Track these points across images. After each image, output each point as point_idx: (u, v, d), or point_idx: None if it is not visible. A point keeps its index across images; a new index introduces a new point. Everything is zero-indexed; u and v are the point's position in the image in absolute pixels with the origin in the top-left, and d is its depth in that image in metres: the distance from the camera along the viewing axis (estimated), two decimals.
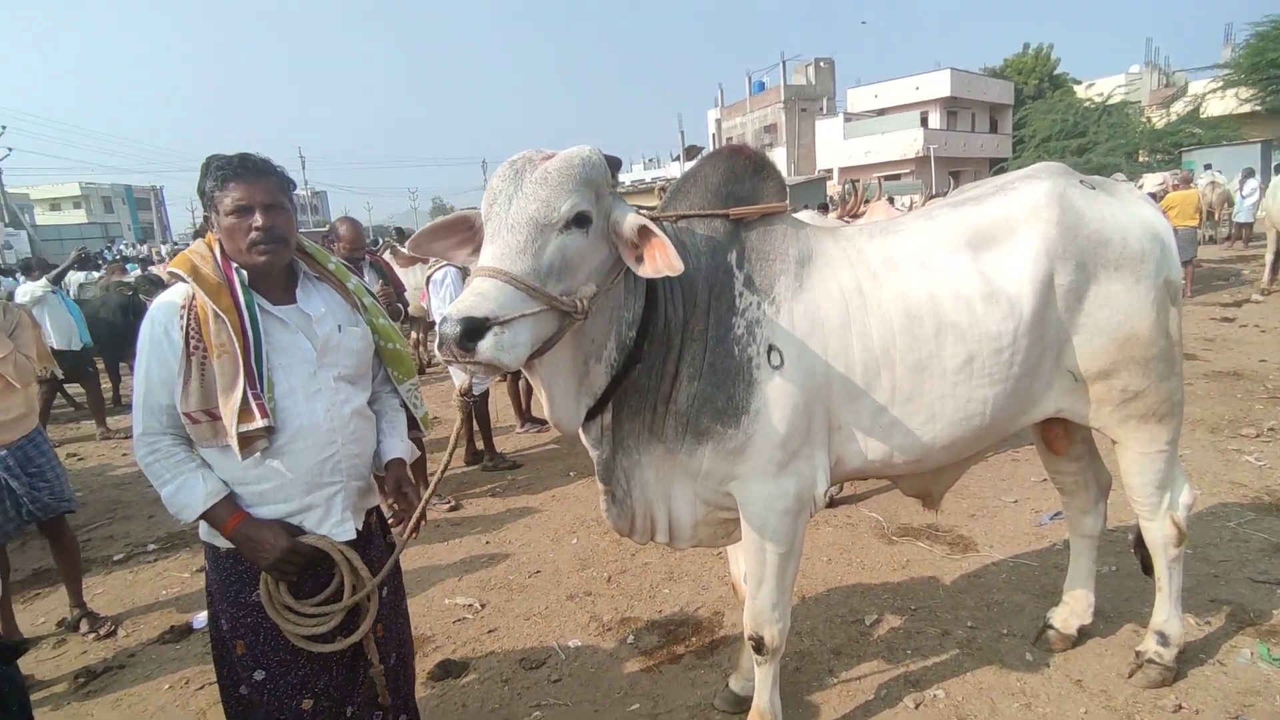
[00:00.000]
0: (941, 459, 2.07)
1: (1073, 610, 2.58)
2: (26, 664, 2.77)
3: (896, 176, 26.86)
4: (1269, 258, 9.45)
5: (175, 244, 28.07)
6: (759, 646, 2.04)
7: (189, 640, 3.13)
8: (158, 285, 7.23)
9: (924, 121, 30.36)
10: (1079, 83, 30.75)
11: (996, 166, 27.72)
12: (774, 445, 1.84)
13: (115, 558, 4.06)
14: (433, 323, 6.14)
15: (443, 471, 1.76)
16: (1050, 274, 1.96)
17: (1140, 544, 2.49)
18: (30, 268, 7.37)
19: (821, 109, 32.71)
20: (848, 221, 4.37)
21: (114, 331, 6.91)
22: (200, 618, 3.20)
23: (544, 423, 5.79)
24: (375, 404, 1.87)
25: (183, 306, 1.60)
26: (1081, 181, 2.15)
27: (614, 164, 1.68)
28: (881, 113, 32.04)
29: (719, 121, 35.72)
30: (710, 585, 3.23)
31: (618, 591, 3.27)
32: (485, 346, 1.37)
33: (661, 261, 1.55)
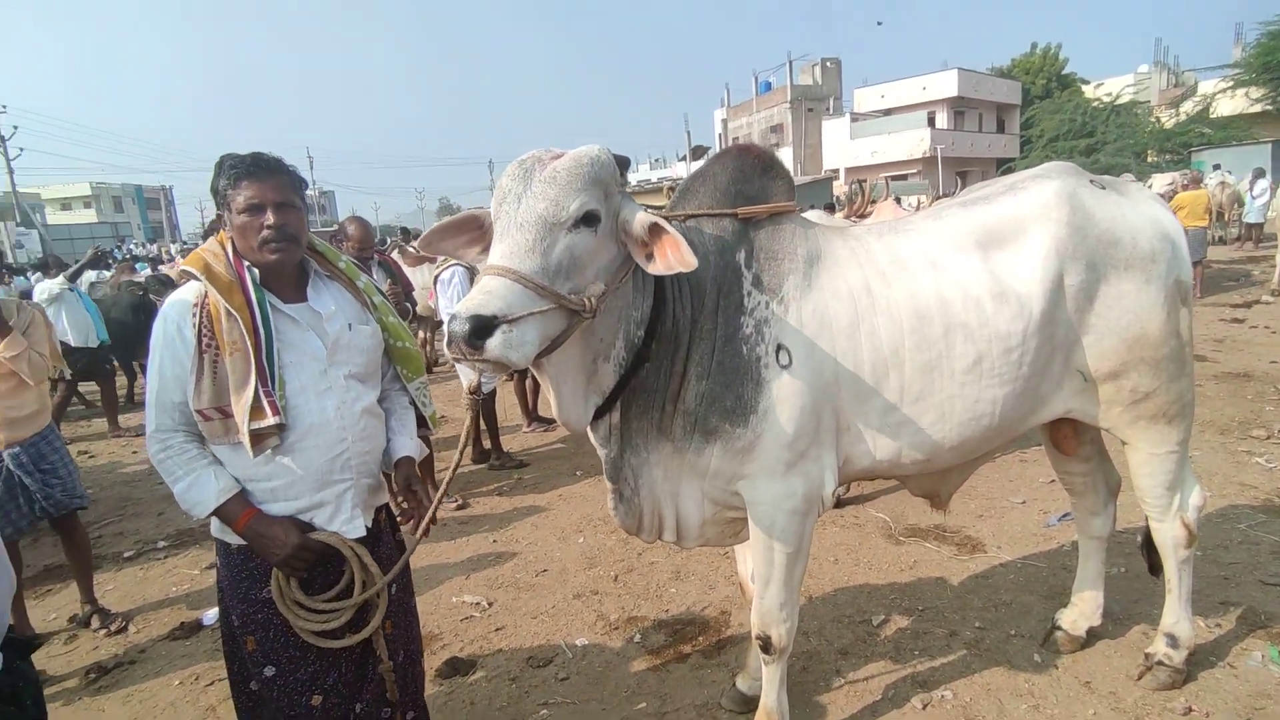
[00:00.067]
0: (950, 459, 2.07)
1: (1081, 612, 2.57)
2: (38, 659, 2.79)
3: (903, 177, 26.79)
4: None
5: (184, 243, 28.28)
6: (766, 646, 2.04)
7: (198, 637, 3.15)
8: (167, 285, 7.28)
9: (931, 122, 30.25)
10: (1087, 83, 30.55)
11: (1004, 167, 27.61)
12: (782, 445, 1.84)
13: (126, 554, 4.09)
14: (440, 322, 6.16)
15: (453, 471, 1.77)
16: (1060, 274, 1.95)
17: (1147, 545, 2.48)
18: (47, 265, 7.46)
19: (828, 109, 32.64)
20: (855, 222, 4.36)
21: (125, 331, 6.97)
22: (210, 614, 3.23)
23: (551, 422, 5.81)
24: (384, 402, 1.88)
25: (195, 304, 1.62)
26: (1092, 181, 2.14)
27: (623, 163, 1.69)
28: (888, 113, 31.94)
29: (725, 121, 35.70)
30: (717, 585, 3.23)
31: (624, 591, 3.27)
32: (494, 344, 1.37)
33: (674, 258, 1.55)
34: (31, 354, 2.92)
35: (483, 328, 1.37)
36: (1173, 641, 2.34)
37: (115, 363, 7.19)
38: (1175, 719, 2.22)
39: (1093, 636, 2.58)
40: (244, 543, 1.65)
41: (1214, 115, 22.80)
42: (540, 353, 1.51)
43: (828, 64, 33.30)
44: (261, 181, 1.61)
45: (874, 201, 7.08)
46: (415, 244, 7.83)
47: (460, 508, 4.40)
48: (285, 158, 1.73)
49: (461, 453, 1.79)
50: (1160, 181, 12.40)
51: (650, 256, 1.61)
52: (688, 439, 1.86)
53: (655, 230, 1.59)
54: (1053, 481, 3.72)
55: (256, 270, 1.65)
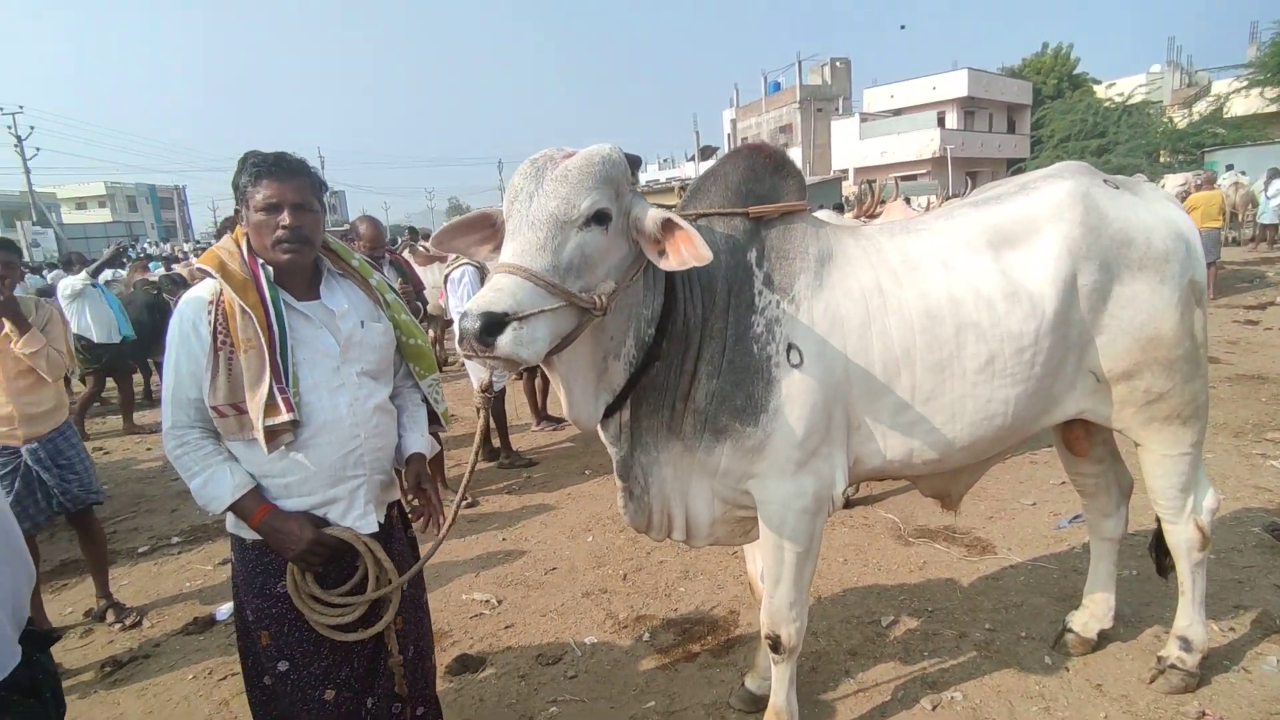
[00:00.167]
0: (961, 459, 2.06)
1: (1093, 614, 2.56)
2: (55, 653, 2.83)
3: (913, 177, 26.65)
4: None
5: (198, 242, 28.52)
6: (776, 645, 2.04)
7: (212, 631, 3.18)
8: (180, 284, 7.35)
9: (941, 122, 30.11)
10: (1099, 82, 30.34)
11: (1014, 167, 27.42)
12: (792, 444, 1.84)
13: (140, 550, 4.14)
14: (450, 321, 6.19)
15: (470, 473, 1.78)
16: (1073, 274, 1.94)
17: (1156, 546, 2.47)
18: (70, 262, 7.56)
19: (837, 109, 32.56)
20: (865, 222, 4.35)
21: (140, 329, 7.04)
22: (223, 610, 3.26)
23: (560, 421, 5.82)
24: (396, 399, 1.89)
25: (210, 302, 1.64)
26: (1105, 181, 2.13)
27: (634, 162, 1.69)
28: (898, 113, 31.81)
29: (734, 122, 35.66)
30: (726, 584, 3.23)
31: (633, 589, 3.28)
32: (504, 341, 1.38)
33: (688, 252, 1.55)
34: (50, 351, 2.95)
35: (494, 325, 1.37)
36: (1186, 645, 2.32)
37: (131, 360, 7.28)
38: None
39: (1104, 639, 2.57)
40: (259, 538, 1.67)
41: (1228, 115, 22.57)
42: (551, 350, 1.52)
43: (837, 64, 33.21)
44: (282, 182, 1.63)
45: (883, 202, 7.06)
46: (425, 244, 7.87)
47: (470, 505, 4.42)
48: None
49: (477, 454, 1.81)
50: (1173, 182, 12.28)
51: (663, 253, 1.61)
52: (698, 438, 1.86)
53: (668, 226, 1.60)
54: (1063, 483, 3.70)
55: (271, 268, 1.67)
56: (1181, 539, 2.25)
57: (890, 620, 2.86)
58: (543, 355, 1.49)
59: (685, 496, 1.96)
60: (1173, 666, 2.32)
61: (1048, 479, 4.12)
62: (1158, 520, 2.35)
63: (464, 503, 4.34)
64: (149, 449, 6.23)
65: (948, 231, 2.02)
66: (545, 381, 5.89)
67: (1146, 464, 2.21)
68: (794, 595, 1.99)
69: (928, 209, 6.62)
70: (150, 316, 7.00)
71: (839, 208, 10.13)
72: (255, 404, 1.59)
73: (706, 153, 33.16)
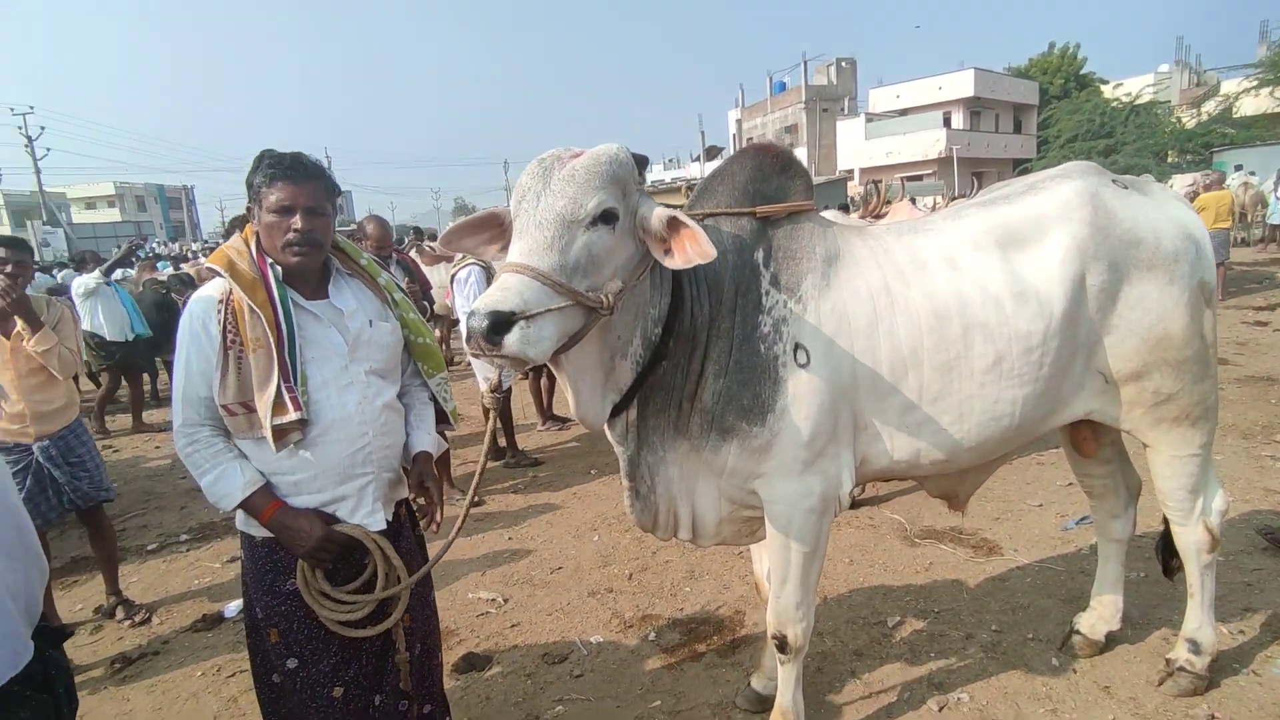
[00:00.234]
0: (969, 460, 2.06)
1: (1100, 616, 2.55)
2: (65, 649, 2.86)
3: (919, 177, 26.57)
4: None
5: (205, 242, 28.67)
6: (782, 645, 2.04)
7: (220, 629, 3.20)
8: (188, 284, 7.40)
9: (947, 122, 29.99)
10: (1106, 82, 30.13)
11: (1021, 167, 27.29)
12: (799, 444, 1.84)
13: (149, 547, 4.16)
14: (456, 321, 6.20)
15: (480, 473, 1.79)
16: (1082, 274, 1.94)
17: (1162, 547, 2.45)
18: (84, 260, 7.62)
19: (843, 109, 32.45)
20: (871, 222, 4.34)
21: (150, 329, 7.09)
22: (231, 607, 3.28)
23: (565, 421, 5.84)
24: (404, 397, 1.90)
25: (220, 301, 1.65)
26: (1114, 180, 2.12)
27: (641, 162, 1.70)
28: (904, 113, 31.70)
29: (739, 122, 35.61)
30: (731, 584, 3.23)
31: (639, 589, 3.28)
32: (511, 340, 1.39)
33: (693, 250, 1.55)
34: (61, 349, 2.98)
35: (501, 323, 1.38)
36: (1195, 647, 2.31)
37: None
38: None
39: (1112, 641, 2.56)
40: (269, 535, 1.68)
41: (1237, 115, 22.40)
42: (558, 350, 1.52)
43: (843, 64, 33.11)
44: (296, 185, 1.63)
45: (889, 202, 7.05)
46: (430, 244, 7.89)
47: (476, 505, 4.42)
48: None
49: (487, 455, 1.81)
50: (1181, 182, 12.21)
51: (669, 252, 1.62)
52: (705, 437, 1.86)
53: (673, 225, 1.60)
54: (1070, 484, 3.69)
55: (279, 268, 1.67)
56: (1191, 541, 2.24)
57: (896, 621, 2.85)
58: (550, 354, 1.49)
59: (692, 496, 1.96)
60: (1181, 669, 2.31)
61: (1054, 480, 4.11)
62: (1164, 521, 2.34)
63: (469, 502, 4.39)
64: (157, 447, 6.27)
65: (955, 231, 2.02)
66: (551, 381, 5.90)
67: (1155, 465, 2.20)
68: (800, 595, 1.99)
69: (933, 209, 6.61)
70: (158, 316, 7.04)
71: (844, 208, 10.11)
72: (263, 403, 1.60)
73: (712, 153, 33.14)
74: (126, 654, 3.02)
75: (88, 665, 2.98)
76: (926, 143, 28.77)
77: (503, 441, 5.19)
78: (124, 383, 7.05)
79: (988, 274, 1.93)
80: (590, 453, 5.23)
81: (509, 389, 5.05)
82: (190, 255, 17.87)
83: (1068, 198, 2.00)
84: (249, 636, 1.83)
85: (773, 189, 1.92)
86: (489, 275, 4.56)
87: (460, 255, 4.78)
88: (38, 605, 1.35)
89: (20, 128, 31.29)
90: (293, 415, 1.60)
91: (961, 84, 30.17)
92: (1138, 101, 23.66)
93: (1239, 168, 15.81)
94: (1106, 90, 27.06)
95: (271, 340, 1.61)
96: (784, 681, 2.12)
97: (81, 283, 6.44)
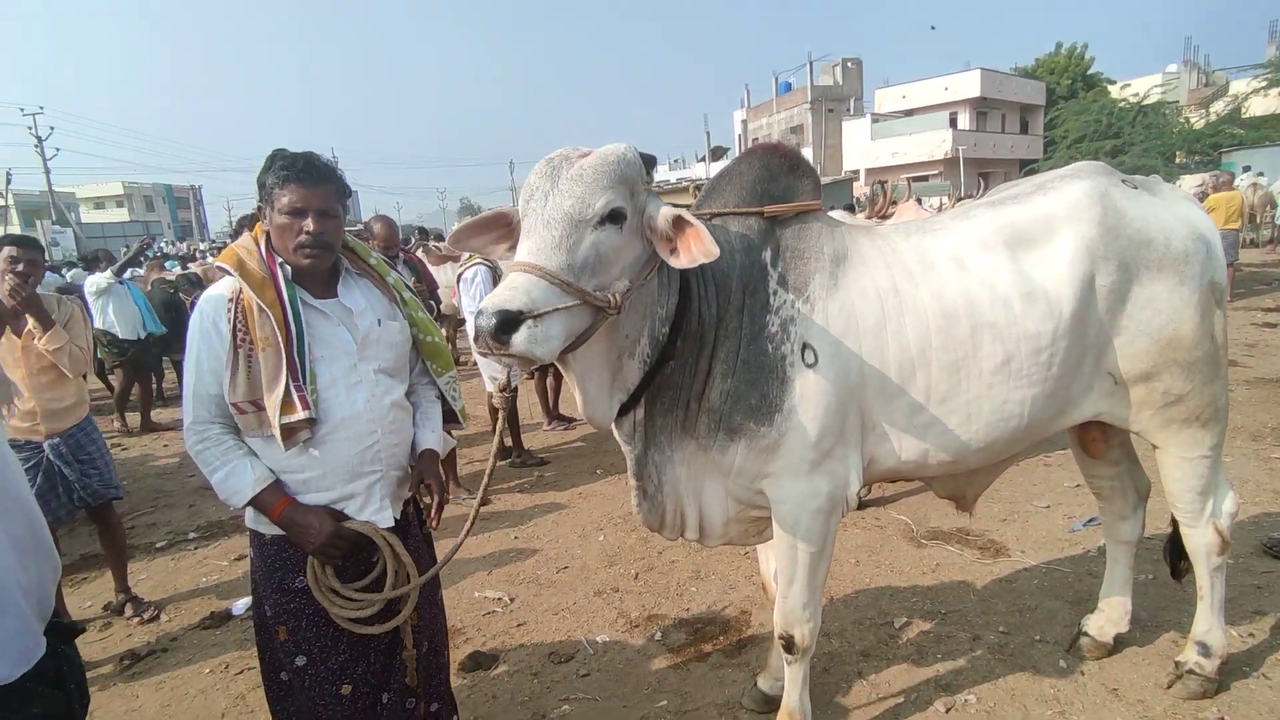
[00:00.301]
0: (977, 461, 2.05)
1: (1109, 618, 2.53)
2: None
3: (925, 178, 26.52)
4: None
5: (213, 242, 28.82)
6: (789, 645, 2.04)
7: (228, 626, 3.22)
8: (196, 284, 7.43)
9: (953, 122, 29.92)
10: (1113, 83, 29.99)
11: (1027, 168, 27.18)
12: (807, 444, 1.84)
13: (158, 545, 4.19)
14: (463, 320, 6.22)
15: (489, 474, 1.79)
16: (1091, 274, 1.93)
17: (1171, 549, 2.44)
18: (97, 259, 7.67)
19: (849, 109, 32.42)
20: (877, 222, 4.33)
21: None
22: (239, 605, 3.30)
23: (571, 421, 5.84)
24: (412, 395, 1.90)
25: (230, 300, 1.65)
26: (1124, 181, 2.11)
27: (649, 161, 1.70)
28: (910, 113, 31.64)
29: (745, 122, 35.62)
30: (738, 584, 3.23)
31: (645, 589, 3.28)
32: (519, 339, 1.39)
33: (697, 249, 1.55)
34: (72, 348, 3.00)
35: (508, 322, 1.38)
36: (1204, 650, 2.29)
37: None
38: None
39: (1120, 643, 2.54)
40: (278, 533, 1.68)
41: (1246, 115, 22.27)
42: (566, 349, 1.52)
43: (848, 64, 33.07)
44: (308, 188, 1.64)
45: (895, 202, 7.02)
46: (437, 244, 7.90)
47: (482, 504, 4.43)
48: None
49: (495, 455, 1.82)
50: (1190, 183, 12.14)
51: (674, 251, 1.62)
52: (712, 437, 1.86)
53: (679, 224, 1.61)
54: (1078, 485, 3.67)
55: (289, 267, 1.68)
56: (1200, 543, 2.23)
57: (903, 622, 2.84)
58: (557, 353, 1.50)
59: (699, 496, 1.96)
60: (1190, 672, 2.30)
61: (1062, 481, 4.09)
62: (1173, 523, 2.33)
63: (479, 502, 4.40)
64: (166, 445, 6.31)
65: (964, 231, 2.01)
66: (556, 381, 5.91)
67: (1165, 467, 2.19)
68: (808, 596, 1.98)
69: (940, 210, 6.58)
70: (166, 315, 7.08)
71: (850, 208, 10.09)
72: (272, 402, 1.61)
73: (717, 153, 33.12)
74: (135, 651, 3.04)
75: (97, 662, 3.00)
76: (932, 143, 28.70)
77: (508, 441, 5.20)
78: (138, 381, 7.10)
79: (996, 274, 1.92)
80: (596, 452, 5.23)
81: (516, 388, 5.07)
82: (198, 255, 17.95)
83: (1077, 197, 1.99)
84: (258, 634, 1.84)
85: (780, 189, 1.91)
86: (495, 275, 4.58)
87: (467, 255, 4.80)
88: (50, 601, 1.36)
89: (30, 128, 31.55)
90: (301, 414, 1.61)
91: (968, 84, 30.09)
92: (1145, 102, 23.55)
93: (1248, 168, 15.70)
94: (1114, 90, 26.94)
95: (280, 339, 1.61)
96: (790, 682, 2.12)
97: (94, 281, 6.51)
